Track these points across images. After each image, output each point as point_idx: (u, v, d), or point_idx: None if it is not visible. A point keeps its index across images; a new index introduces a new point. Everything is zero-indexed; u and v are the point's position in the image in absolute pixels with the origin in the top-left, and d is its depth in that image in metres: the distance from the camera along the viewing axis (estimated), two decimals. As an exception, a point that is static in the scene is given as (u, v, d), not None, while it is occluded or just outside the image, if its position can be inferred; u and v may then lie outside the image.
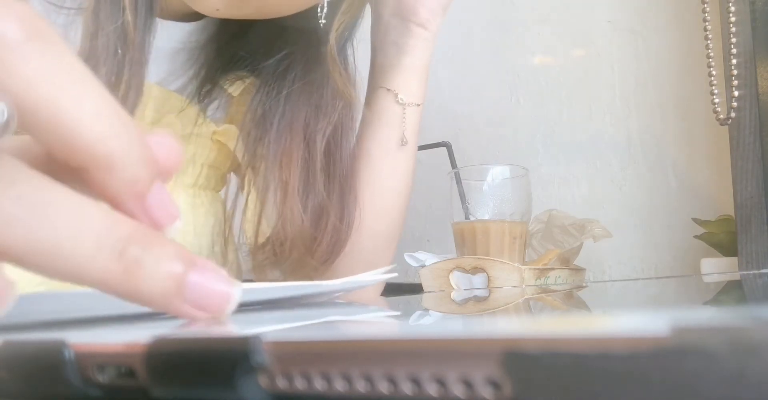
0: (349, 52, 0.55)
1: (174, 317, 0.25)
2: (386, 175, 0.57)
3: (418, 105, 0.57)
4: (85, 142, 0.15)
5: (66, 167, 0.16)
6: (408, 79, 0.56)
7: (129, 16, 0.43)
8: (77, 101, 0.15)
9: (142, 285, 0.15)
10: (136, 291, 0.15)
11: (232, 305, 0.16)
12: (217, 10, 0.44)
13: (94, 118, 0.15)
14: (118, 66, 0.43)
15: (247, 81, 0.56)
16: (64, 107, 0.15)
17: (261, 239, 0.53)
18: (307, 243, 0.51)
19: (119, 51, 0.43)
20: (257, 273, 0.53)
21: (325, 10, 0.47)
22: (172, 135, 0.18)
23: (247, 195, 0.54)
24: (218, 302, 0.16)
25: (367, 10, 0.56)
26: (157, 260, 0.15)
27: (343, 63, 0.54)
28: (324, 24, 0.48)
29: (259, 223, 0.52)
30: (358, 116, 0.54)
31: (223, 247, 0.55)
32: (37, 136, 0.15)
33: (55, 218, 0.15)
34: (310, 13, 0.49)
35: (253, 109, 0.53)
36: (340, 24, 0.50)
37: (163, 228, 0.17)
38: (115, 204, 0.17)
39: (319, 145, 0.52)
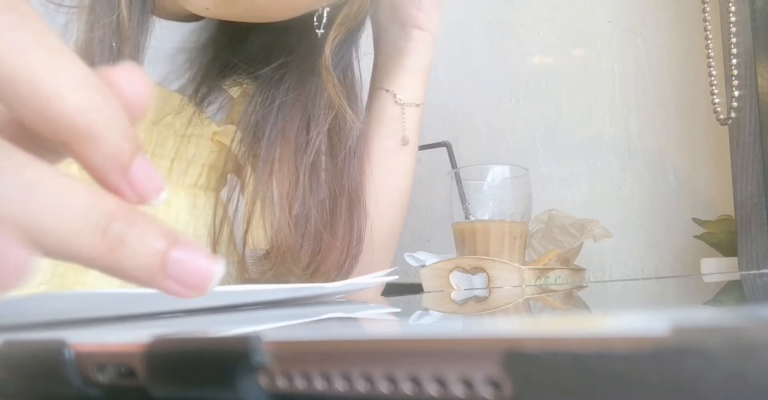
0: (355, 63, 0.55)
1: (174, 317, 0.25)
2: (386, 175, 0.57)
3: (418, 105, 0.57)
4: (65, 115, 0.15)
5: (44, 139, 0.16)
6: (407, 80, 0.56)
7: (124, 11, 0.43)
8: (55, 73, 0.15)
9: (126, 261, 0.15)
10: (120, 267, 0.15)
11: (215, 282, 0.16)
12: (207, 8, 0.44)
13: (73, 90, 0.15)
14: (113, 60, 0.43)
15: (245, 85, 0.56)
16: (42, 80, 0.15)
17: (252, 246, 0.52)
18: (296, 256, 0.51)
19: (114, 45, 0.43)
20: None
21: (324, 20, 0.47)
22: (136, 68, 0.18)
23: (243, 200, 0.54)
24: (201, 279, 0.16)
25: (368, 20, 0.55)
26: (141, 237, 0.15)
27: (342, 74, 0.54)
28: (321, 34, 0.48)
29: (247, 230, 0.52)
30: (356, 127, 0.54)
31: (223, 247, 0.55)
32: (16, 110, 0.15)
33: (38, 195, 0.15)
34: (307, 24, 0.49)
35: (247, 116, 0.53)
36: (336, 35, 0.50)
37: (148, 200, 0.17)
38: (98, 177, 0.17)
39: (309, 155, 0.52)
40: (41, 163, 0.15)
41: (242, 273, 0.53)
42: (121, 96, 0.17)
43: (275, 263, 0.51)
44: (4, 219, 0.14)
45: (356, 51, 0.55)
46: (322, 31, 0.48)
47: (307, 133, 0.52)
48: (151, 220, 0.16)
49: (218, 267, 0.16)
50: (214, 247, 0.55)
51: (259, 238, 0.53)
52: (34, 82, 0.15)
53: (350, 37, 0.53)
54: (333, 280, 0.52)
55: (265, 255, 0.53)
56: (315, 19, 0.48)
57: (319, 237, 0.52)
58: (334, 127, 0.53)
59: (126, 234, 0.15)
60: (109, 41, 0.43)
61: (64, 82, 0.15)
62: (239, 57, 0.54)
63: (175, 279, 0.16)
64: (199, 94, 0.53)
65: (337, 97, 0.52)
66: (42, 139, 0.17)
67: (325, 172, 0.53)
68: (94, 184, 0.17)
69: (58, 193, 0.15)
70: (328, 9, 0.48)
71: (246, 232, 0.52)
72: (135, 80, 0.17)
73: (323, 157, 0.53)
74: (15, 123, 0.17)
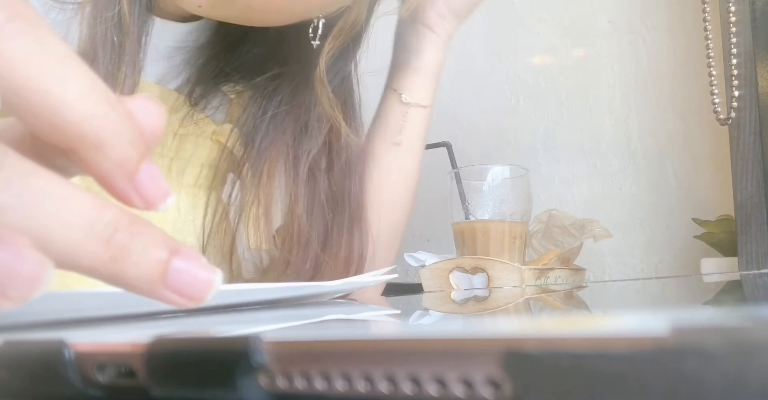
0: (353, 79, 0.55)
1: (174, 317, 0.25)
2: (388, 174, 0.57)
3: (424, 107, 0.57)
4: (72, 122, 0.15)
5: (53, 148, 0.16)
6: (413, 80, 0.57)
7: (125, 6, 0.43)
8: (62, 81, 0.15)
9: (129, 271, 0.15)
10: (122, 277, 0.16)
11: (213, 292, 0.16)
12: (199, 6, 0.44)
13: (80, 97, 0.15)
14: (115, 55, 0.43)
15: (240, 90, 0.56)
16: (49, 87, 0.15)
17: (261, 244, 0.53)
18: (298, 270, 0.51)
19: (116, 39, 0.43)
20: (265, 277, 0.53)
21: (319, 31, 0.47)
22: (152, 99, 0.18)
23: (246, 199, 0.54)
24: (199, 289, 0.16)
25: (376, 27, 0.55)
26: (144, 247, 0.16)
27: (338, 88, 0.53)
28: (316, 46, 0.48)
29: (256, 227, 0.52)
30: (351, 142, 0.53)
31: (222, 247, 0.55)
32: (23, 117, 0.15)
33: (45, 205, 0.15)
34: (303, 35, 0.48)
35: (240, 124, 0.53)
36: (331, 48, 0.50)
37: (155, 206, 0.17)
38: (106, 184, 0.17)
39: (303, 169, 0.52)
40: (47, 172, 0.15)
41: (240, 273, 0.53)
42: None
43: (278, 276, 0.51)
44: (15, 228, 0.14)
45: (355, 67, 0.55)
46: (317, 42, 0.48)
47: (300, 147, 0.52)
48: (155, 229, 0.16)
49: (217, 278, 0.16)
50: (213, 247, 0.55)
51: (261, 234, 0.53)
52: (41, 91, 0.15)
53: (346, 51, 0.53)
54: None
55: (266, 269, 0.53)
56: (310, 30, 0.48)
57: (316, 255, 0.51)
58: (329, 141, 0.53)
59: (129, 244, 0.15)
60: (111, 37, 0.43)
61: (71, 90, 0.15)
62: (232, 65, 0.54)
63: (174, 289, 0.16)
64: (195, 95, 0.53)
65: (332, 110, 0.51)
66: (52, 155, 0.17)
67: (324, 190, 0.53)
68: (100, 192, 0.17)
69: (65, 202, 0.15)
70: (323, 21, 0.48)
71: (234, 235, 0.52)
72: (149, 110, 0.17)
73: (319, 173, 0.53)
74: (27, 139, 0.17)
